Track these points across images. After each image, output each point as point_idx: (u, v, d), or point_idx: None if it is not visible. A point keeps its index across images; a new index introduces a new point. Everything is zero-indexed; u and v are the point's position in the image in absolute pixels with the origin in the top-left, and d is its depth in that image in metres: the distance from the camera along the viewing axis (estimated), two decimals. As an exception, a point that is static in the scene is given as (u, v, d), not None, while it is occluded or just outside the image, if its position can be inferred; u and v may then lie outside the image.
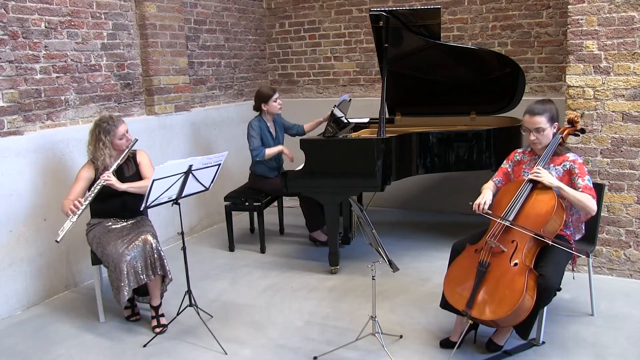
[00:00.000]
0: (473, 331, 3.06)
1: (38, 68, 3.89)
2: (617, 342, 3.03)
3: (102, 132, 3.38)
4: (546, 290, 2.68)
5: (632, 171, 3.71)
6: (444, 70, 4.64)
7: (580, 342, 3.05)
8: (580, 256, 3.14)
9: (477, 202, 2.94)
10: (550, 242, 2.76)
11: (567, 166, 2.91)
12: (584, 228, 3.07)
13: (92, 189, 3.28)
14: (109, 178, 3.29)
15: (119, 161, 3.40)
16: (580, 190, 2.80)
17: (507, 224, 2.80)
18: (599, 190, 3.25)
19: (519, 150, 3.17)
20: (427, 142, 4.23)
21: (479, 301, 2.72)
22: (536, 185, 2.87)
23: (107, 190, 3.35)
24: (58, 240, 3.13)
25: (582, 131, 3.12)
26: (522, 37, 5.15)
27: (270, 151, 4.64)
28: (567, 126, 3.08)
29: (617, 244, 3.83)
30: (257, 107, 4.73)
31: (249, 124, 4.66)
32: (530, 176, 2.88)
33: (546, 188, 2.83)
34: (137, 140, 3.49)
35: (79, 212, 3.17)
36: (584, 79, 3.74)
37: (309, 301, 3.71)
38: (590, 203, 2.76)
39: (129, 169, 3.52)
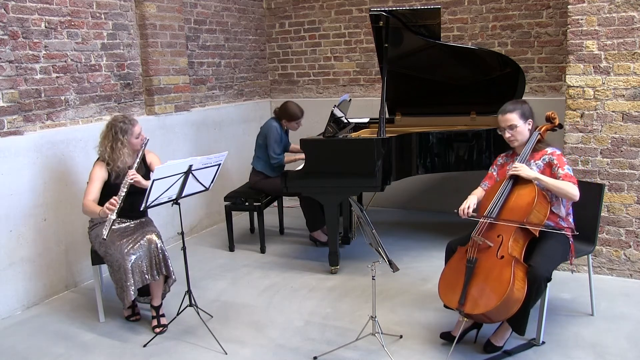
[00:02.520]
0: (475, 330, 3.07)
1: (38, 68, 3.89)
2: (617, 342, 3.03)
3: (119, 131, 3.37)
4: (535, 280, 2.72)
5: (632, 171, 3.71)
6: (444, 70, 4.63)
7: (580, 342, 3.05)
8: (577, 251, 3.17)
9: (461, 207, 3.04)
10: (537, 233, 2.85)
11: (547, 159, 3.00)
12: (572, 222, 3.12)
13: (122, 187, 3.26)
14: (136, 175, 3.29)
15: (138, 160, 3.39)
16: (561, 179, 2.88)
17: (489, 220, 2.90)
18: (598, 190, 3.27)
19: (502, 155, 3.27)
20: (427, 142, 4.23)
21: (470, 297, 2.78)
22: (518, 181, 2.96)
23: (115, 191, 3.36)
24: (105, 237, 3.12)
25: (560, 126, 3.19)
26: (522, 37, 5.15)
27: (288, 159, 4.72)
28: (545, 124, 3.15)
29: (617, 244, 3.83)
30: (278, 118, 4.77)
31: (274, 126, 4.69)
32: (509, 172, 2.98)
33: (527, 182, 2.92)
34: (148, 139, 3.49)
35: (116, 210, 3.17)
36: (584, 79, 3.74)
37: (309, 301, 3.71)
38: (571, 189, 2.84)
39: (140, 171, 3.48)
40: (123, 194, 3.23)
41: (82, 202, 3.41)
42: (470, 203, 3.05)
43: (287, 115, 4.72)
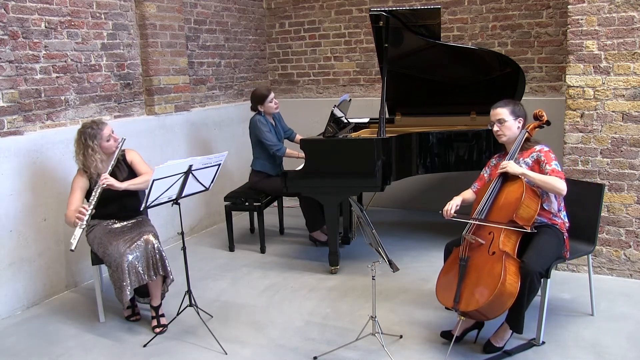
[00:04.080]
0: (476, 331, 3.08)
1: (38, 68, 3.89)
2: (617, 342, 3.03)
3: (88, 137, 3.35)
4: (527, 274, 2.74)
5: (632, 171, 3.71)
6: (444, 70, 4.63)
7: (580, 342, 3.05)
8: (577, 251, 3.20)
9: (445, 208, 3.10)
10: (529, 230, 2.88)
11: (535, 156, 3.05)
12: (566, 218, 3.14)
13: (94, 194, 3.26)
14: (108, 179, 3.27)
15: (113, 162, 3.37)
16: (548, 174, 2.92)
17: (475, 222, 2.94)
18: (598, 190, 3.27)
19: (495, 156, 3.32)
20: (427, 142, 4.23)
21: (464, 295, 2.81)
22: (507, 179, 3.01)
23: (104, 194, 3.34)
24: (73, 248, 3.11)
25: (548, 123, 3.21)
26: (522, 37, 5.15)
27: (291, 153, 4.70)
28: (532, 122, 3.18)
29: (617, 244, 3.83)
30: (254, 108, 4.75)
31: (256, 120, 4.67)
32: (498, 170, 3.03)
33: (515, 178, 2.97)
34: (124, 139, 3.45)
35: (85, 219, 3.16)
36: (584, 79, 3.74)
37: (309, 301, 3.71)
38: (558, 183, 2.88)
39: (122, 172, 3.49)
40: (94, 200, 3.21)
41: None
42: (453, 204, 3.11)
43: (256, 100, 4.70)
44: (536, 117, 3.17)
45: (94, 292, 3.63)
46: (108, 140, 3.39)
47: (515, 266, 2.77)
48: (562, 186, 2.88)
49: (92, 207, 3.21)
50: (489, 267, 2.77)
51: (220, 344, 3.11)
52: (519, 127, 3.10)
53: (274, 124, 4.80)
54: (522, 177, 2.94)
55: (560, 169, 2.96)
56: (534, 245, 2.90)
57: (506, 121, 3.07)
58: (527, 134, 3.08)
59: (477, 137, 4.28)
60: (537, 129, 3.15)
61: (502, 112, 3.09)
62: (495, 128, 3.12)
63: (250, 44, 6.23)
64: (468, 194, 3.26)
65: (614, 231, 3.82)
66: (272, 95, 4.72)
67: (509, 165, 2.97)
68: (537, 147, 3.06)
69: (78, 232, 3.14)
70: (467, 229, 2.99)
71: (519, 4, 5.11)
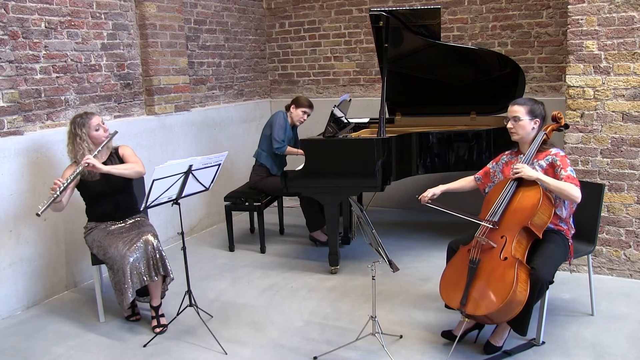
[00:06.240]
0: (476, 331, 3.07)
1: (38, 68, 3.89)
2: (617, 342, 3.03)
3: (77, 126, 3.35)
4: (537, 282, 2.72)
5: (632, 171, 3.71)
6: (444, 70, 4.63)
7: (580, 342, 3.05)
8: (577, 251, 3.18)
9: (423, 194, 3.15)
10: (540, 235, 2.85)
11: (550, 160, 2.97)
12: (572, 225, 3.11)
13: (74, 172, 3.22)
14: (89, 158, 3.22)
15: (99, 148, 3.35)
16: (563, 180, 2.85)
17: (489, 225, 2.89)
18: (599, 190, 3.27)
19: (507, 152, 3.24)
20: (427, 142, 4.23)
21: (472, 297, 2.78)
22: (522, 182, 2.94)
23: (97, 192, 3.34)
24: (39, 213, 3.09)
25: (566, 126, 3.17)
26: (522, 37, 5.15)
27: (291, 150, 4.71)
28: (551, 123, 3.12)
29: (617, 244, 3.83)
30: (288, 106, 4.83)
31: (280, 113, 4.73)
32: (511, 175, 2.94)
33: (532, 183, 2.90)
34: (116, 132, 3.45)
35: (58, 190, 3.13)
36: (584, 79, 3.74)
37: (309, 301, 3.71)
38: (573, 190, 2.81)
39: (113, 164, 3.46)
40: (71, 177, 3.20)
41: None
42: (431, 192, 3.17)
43: (295, 101, 4.77)
44: (554, 119, 3.10)
45: (94, 292, 3.63)
46: (97, 130, 3.38)
47: (526, 273, 2.73)
48: (577, 193, 2.80)
49: (68, 182, 3.18)
50: (500, 273, 2.73)
51: (220, 344, 3.11)
52: (534, 127, 3.01)
53: (291, 127, 4.82)
54: (537, 182, 2.87)
55: (575, 175, 2.87)
56: (542, 252, 2.85)
57: (521, 120, 2.99)
58: (545, 135, 3.00)
59: (477, 137, 4.28)
60: (554, 131, 3.08)
61: (518, 110, 3.00)
62: (509, 125, 3.04)
63: (250, 44, 6.23)
64: (463, 182, 3.28)
65: (614, 231, 3.82)
66: (308, 109, 4.78)
67: (524, 170, 2.87)
68: (553, 151, 2.97)
69: (49, 199, 3.12)
70: (479, 230, 2.93)
71: (519, 4, 5.12)
